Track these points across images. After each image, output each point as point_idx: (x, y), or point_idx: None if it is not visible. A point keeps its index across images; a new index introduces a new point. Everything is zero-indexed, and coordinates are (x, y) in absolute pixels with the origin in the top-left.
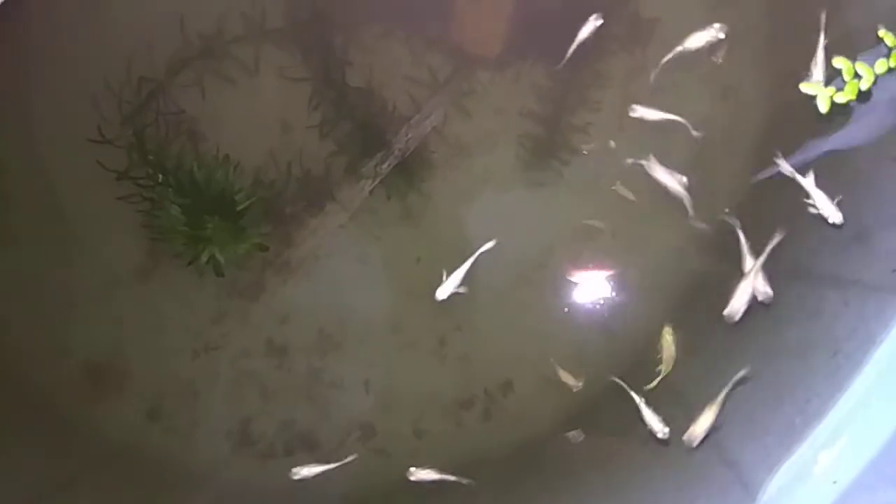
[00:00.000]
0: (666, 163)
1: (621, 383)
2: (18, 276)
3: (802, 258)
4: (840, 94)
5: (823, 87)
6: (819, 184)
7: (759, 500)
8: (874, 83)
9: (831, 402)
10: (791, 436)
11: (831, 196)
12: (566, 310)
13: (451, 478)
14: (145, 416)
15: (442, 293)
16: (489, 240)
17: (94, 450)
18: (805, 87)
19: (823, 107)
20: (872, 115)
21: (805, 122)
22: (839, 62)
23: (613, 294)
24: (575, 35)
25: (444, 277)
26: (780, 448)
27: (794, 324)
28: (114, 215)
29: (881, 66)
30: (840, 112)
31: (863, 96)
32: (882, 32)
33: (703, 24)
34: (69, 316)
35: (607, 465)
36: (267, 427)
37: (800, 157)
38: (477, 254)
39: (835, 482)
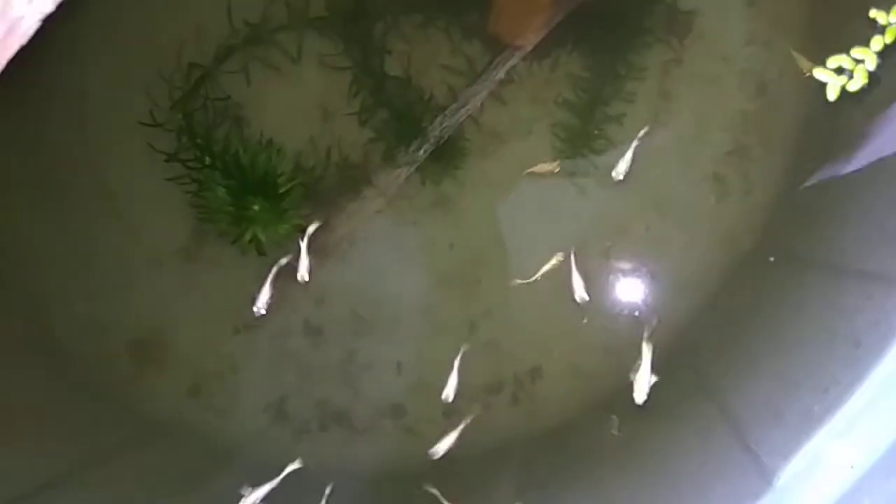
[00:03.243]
0: (700, 151)
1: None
2: (71, 254)
3: (828, 253)
4: (851, 82)
5: (836, 75)
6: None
7: (776, 484)
8: (879, 65)
9: (850, 391)
10: (809, 423)
11: None
12: (596, 298)
13: None
14: (186, 391)
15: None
16: (521, 228)
17: (135, 423)
18: (818, 73)
19: (832, 94)
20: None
21: (839, 120)
22: (834, 61)
23: (644, 285)
24: (611, 25)
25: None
26: (798, 434)
27: (817, 315)
28: (162, 196)
29: (877, 42)
30: (853, 101)
31: (874, 79)
32: (874, 13)
33: (740, 18)
34: (116, 292)
35: (628, 450)
36: (303, 404)
37: (831, 153)
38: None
39: (852, 467)
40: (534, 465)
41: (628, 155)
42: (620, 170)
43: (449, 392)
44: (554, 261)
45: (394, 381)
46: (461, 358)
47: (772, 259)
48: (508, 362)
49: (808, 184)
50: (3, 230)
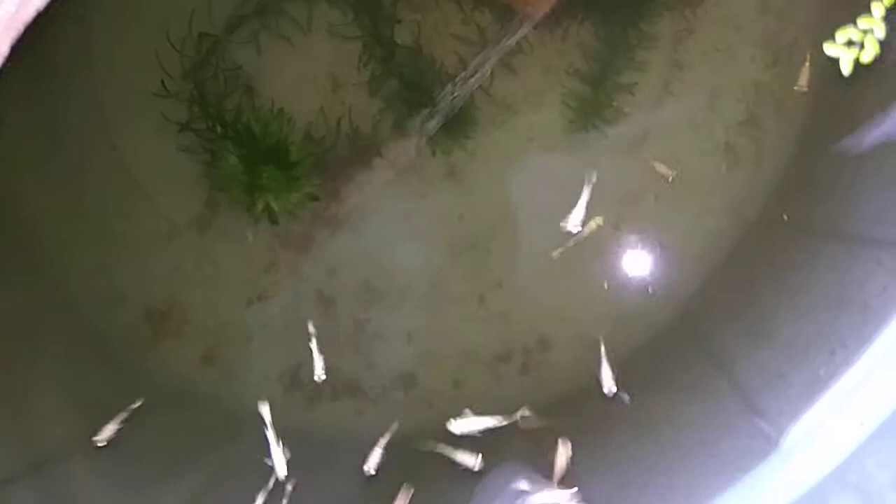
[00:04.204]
0: (712, 121)
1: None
2: (87, 223)
3: (840, 222)
4: (864, 53)
5: (847, 48)
6: None
7: (781, 445)
8: (888, 32)
9: (857, 354)
10: (815, 386)
11: None
12: (605, 271)
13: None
14: (201, 359)
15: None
16: (531, 198)
17: (153, 392)
18: (828, 48)
19: (846, 69)
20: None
21: (854, 90)
22: (843, 34)
23: (653, 257)
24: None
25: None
26: (804, 397)
27: (827, 283)
28: (175, 166)
29: (878, 7)
30: (868, 71)
31: (886, 48)
32: None
33: None
34: (133, 262)
35: (636, 417)
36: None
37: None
38: None
39: (862, 424)
40: (542, 434)
41: (582, 201)
42: (575, 220)
43: (371, 464)
44: (594, 225)
45: (405, 352)
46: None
47: (785, 217)
48: (517, 333)
49: (827, 153)
50: (20, 201)
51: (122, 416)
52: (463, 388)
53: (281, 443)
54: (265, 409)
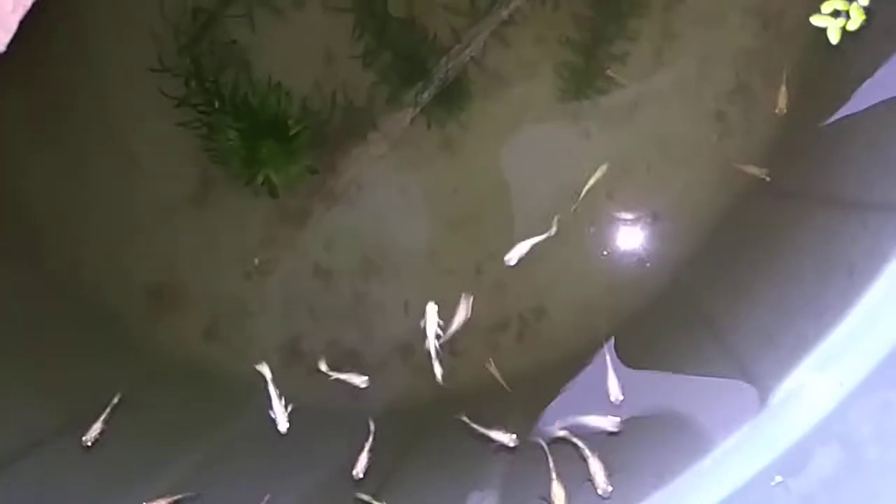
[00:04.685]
0: (703, 90)
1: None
2: (87, 201)
3: (829, 187)
4: (850, 22)
5: (833, 18)
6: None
7: (770, 403)
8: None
9: (843, 315)
10: (803, 347)
11: None
12: (599, 239)
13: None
14: (201, 333)
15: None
16: (525, 169)
17: (156, 366)
18: (815, 20)
19: (834, 38)
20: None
21: (843, 58)
22: (828, 5)
23: (645, 224)
24: None
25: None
26: (792, 357)
27: (815, 247)
28: (174, 141)
29: None
30: (855, 39)
31: (870, 15)
32: None
33: None
34: (134, 238)
35: (633, 379)
36: (314, 345)
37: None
38: None
39: (841, 384)
40: (540, 399)
41: (523, 246)
42: (513, 256)
43: (359, 468)
44: (599, 174)
45: (402, 323)
46: None
47: (767, 179)
48: (513, 302)
49: (822, 124)
50: (22, 179)
51: (106, 413)
52: (461, 357)
53: (283, 399)
54: (265, 369)
